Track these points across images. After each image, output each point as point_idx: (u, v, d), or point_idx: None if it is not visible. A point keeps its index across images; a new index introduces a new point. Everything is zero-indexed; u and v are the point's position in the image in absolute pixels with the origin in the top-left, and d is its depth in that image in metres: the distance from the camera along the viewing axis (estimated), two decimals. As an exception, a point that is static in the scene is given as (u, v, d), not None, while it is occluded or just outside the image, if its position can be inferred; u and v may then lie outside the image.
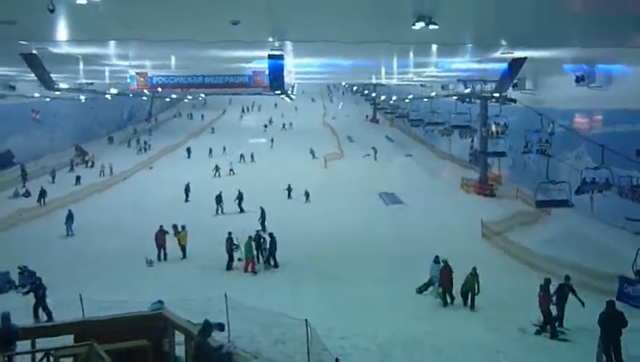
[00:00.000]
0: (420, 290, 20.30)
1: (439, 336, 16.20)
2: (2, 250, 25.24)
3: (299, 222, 31.92)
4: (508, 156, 37.38)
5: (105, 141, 65.00)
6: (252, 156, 54.88)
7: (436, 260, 20.14)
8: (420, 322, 17.48)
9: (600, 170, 21.82)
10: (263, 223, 30.09)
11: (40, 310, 17.16)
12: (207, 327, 10.62)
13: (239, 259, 24.39)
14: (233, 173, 48.58)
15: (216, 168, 48.60)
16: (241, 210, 35.00)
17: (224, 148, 58.86)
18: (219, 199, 35.08)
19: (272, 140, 64.33)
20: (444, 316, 18.51)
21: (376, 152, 55.86)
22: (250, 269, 23.69)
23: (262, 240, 24.81)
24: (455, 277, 19.22)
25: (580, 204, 25.19)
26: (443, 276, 19.30)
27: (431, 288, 20.15)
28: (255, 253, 24.28)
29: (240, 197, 35.62)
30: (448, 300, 19.20)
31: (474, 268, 18.92)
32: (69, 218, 29.80)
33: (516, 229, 29.10)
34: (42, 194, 36.85)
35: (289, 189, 39.40)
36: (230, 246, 24.35)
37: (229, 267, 24.00)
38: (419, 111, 54.72)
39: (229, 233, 24.70)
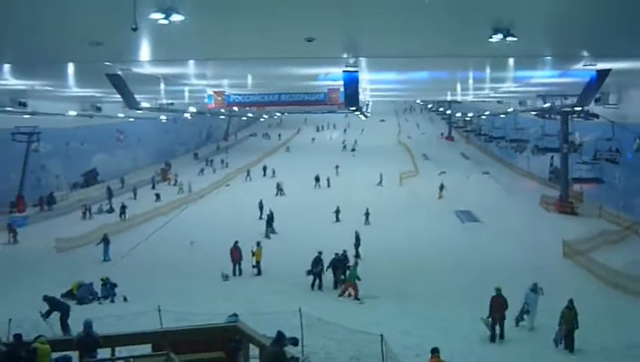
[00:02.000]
0: (517, 322, 18.32)
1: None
2: (86, 263, 26.32)
3: (376, 239, 31.43)
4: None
5: (183, 159, 66.96)
6: (328, 180, 52.03)
7: (534, 289, 18.36)
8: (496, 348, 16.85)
9: None
10: (357, 247, 27.90)
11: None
12: (282, 338, 10.65)
13: (343, 280, 22.90)
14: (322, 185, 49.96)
15: (278, 186, 48.65)
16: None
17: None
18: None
19: (353, 152, 65.49)
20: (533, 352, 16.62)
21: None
22: (353, 294, 21.80)
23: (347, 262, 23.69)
24: (540, 301, 17.90)
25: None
26: (494, 305, 17.32)
27: (525, 317, 18.33)
28: (336, 275, 23.26)
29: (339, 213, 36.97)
30: (497, 331, 17.24)
31: (570, 301, 16.73)
32: (106, 243, 28.43)
33: (601, 248, 27.90)
34: (123, 209, 38.54)
35: (337, 211, 37.76)
36: (319, 265, 23.29)
37: (314, 286, 23.18)
38: (492, 128, 53.80)
39: (319, 252, 23.61)
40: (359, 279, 21.93)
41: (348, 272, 22.52)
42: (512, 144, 49.23)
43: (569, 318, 16.43)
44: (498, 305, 17.28)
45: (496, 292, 17.53)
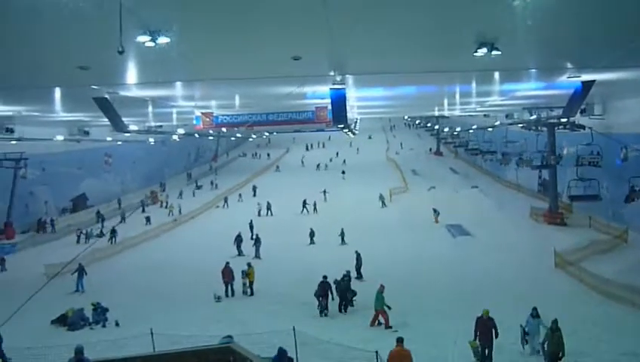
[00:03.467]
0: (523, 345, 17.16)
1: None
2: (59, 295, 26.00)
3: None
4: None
5: (173, 181, 66.95)
6: (314, 205, 49.39)
7: (534, 314, 17.00)
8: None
9: None
10: (358, 269, 27.38)
11: None
12: (283, 354, 10.82)
13: (350, 303, 22.43)
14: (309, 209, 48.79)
15: (268, 206, 48.57)
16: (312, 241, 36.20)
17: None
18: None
19: (343, 174, 64.93)
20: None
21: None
22: (384, 323, 20.16)
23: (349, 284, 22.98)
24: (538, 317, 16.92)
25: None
26: (480, 328, 16.41)
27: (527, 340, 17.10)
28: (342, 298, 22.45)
29: (312, 234, 36.82)
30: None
31: (555, 322, 15.51)
32: (80, 274, 27.03)
33: (592, 258, 28.01)
34: (113, 234, 38.14)
35: (312, 234, 37.11)
36: (326, 289, 22.27)
37: (322, 313, 22.00)
38: (478, 141, 54.22)
39: (324, 276, 22.61)
40: (389, 308, 20.31)
41: (376, 300, 20.44)
42: (503, 158, 49.69)
43: (554, 341, 15.34)
44: (485, 328, 16.35)
45: (483, 315, 16.60)
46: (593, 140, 30.37)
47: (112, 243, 37.50)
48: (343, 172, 65.89)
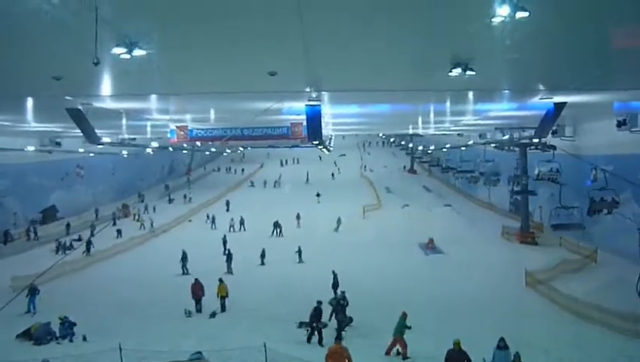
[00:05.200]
0: None
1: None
2: (45, 301, 25.52)
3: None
4: (550, 202, 36.36)
5: (147, 194, 66.45)
6: (280, 227, 45.46)
7: (502, 345, 15.49)
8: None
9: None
10: (335, 288, 26.07)
11: None
12: None
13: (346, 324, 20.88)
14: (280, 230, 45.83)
15: (241, 221, 48.08)
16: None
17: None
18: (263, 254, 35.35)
19: (318, 197, 61.37)
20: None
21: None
22: (402, 352, 18.54)
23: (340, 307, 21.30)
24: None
25: (627, 251, 24.90)
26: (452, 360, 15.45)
27: None
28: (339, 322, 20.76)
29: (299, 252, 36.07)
30: None
31: (517, 356, 14.95)
32: (32, 294, 25.02)
33: (562, 277, 28.34)
34: (88, 245, 37.95)
35: (262, 256, 35.56)
36: (318, 316, 20.47)
37: (310, 340, 20.22)
38: (452, 160, 54.66)
39: (319, 302, 20.90)
40: (409, 327, 18.83)
41: (397, 326, 18.88)
42: (472, 178, 50.19)
43: None
44: (457, 359, 15.41)
45: (454, 347, 15.55)
46: (554, 157, 31.77)
47: (87, 255, 37.10)
48: (318, 194, 61.54)
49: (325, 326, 20.59)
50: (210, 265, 32.38)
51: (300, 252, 35.99)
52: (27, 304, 24.67)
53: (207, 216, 49.60)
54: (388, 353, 18.68)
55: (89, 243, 38.10)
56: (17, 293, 18.03)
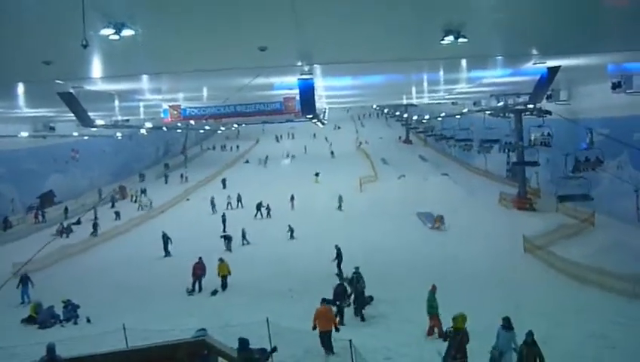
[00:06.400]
0: None
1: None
2: (47, 286, 25.64)
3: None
4: (546, 168, 36.86)
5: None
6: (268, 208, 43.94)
7: (506, 325, 14.04)
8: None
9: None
10: (339, 265, 25.81)
11: None
12: (244, 343, 12.07)
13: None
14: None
15: (238, 198, 48.20)
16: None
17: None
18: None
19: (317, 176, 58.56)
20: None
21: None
22: (437, 332, 17.19)
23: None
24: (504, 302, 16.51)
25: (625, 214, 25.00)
26: (455, 341, 13.91)
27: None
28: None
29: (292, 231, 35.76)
30: None
31: (530, 334, 13.24)
32: (24, 284, 24.71)
33: (560, 242, 28.50)
34: (95, 226, 39.08)
35: (243, 234, 34.66)
36: (343, 295, 19.58)
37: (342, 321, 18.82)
38: (448, 129, 54.28)
39: (342, 278, 20.96)
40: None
41: (428, 302, 17.67)
42: (465, 145, 49.66)
43: (529, 359, 13.12)
44: (459, 341, 13.86)
45: (453, 324, 14.07)
46: (544, 123, 32.19)
47: (95, 235, 38.17)
48: (317, 174, 58.10)
49: (349, 305, 19.84)
50: (209, 244, 32.48)
51: (291, 230, 35.56)
52: (21, 295, 24.41)
53: (211, 203, 48.67)
54: (430, 333, 17.51)
55: (95, 224, 39.01)
56: (5, 281, 17.60)
